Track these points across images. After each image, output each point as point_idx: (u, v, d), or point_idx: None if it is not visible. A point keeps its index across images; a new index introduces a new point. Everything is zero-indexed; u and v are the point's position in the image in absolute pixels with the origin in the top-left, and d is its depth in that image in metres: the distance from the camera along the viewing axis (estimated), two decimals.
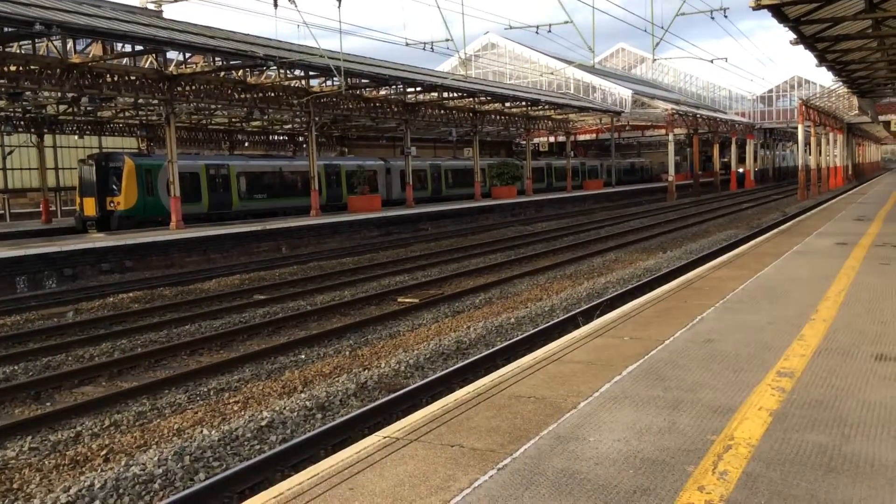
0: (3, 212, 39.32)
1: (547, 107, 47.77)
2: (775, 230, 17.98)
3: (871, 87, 39.13)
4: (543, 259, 21.07)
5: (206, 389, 9.37)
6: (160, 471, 6.58)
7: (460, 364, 9.59)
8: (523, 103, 45.07)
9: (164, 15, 28.68)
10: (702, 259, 17.65)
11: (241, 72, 28.40)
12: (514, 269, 19.30)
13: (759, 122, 79.15)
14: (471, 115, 43.66)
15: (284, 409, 8.09)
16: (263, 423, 7.65)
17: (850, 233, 15.60)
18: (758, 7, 15.78)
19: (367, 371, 9.60)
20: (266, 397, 8.83)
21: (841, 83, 39.44)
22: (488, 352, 10.16)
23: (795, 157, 73.03)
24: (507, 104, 44.55)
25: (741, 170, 68.41)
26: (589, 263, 19.78)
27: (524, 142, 53.82)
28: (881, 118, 62.75)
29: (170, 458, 6.79)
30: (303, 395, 8.66)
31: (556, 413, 4.66)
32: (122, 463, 6.82)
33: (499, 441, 4.19)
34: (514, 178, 47.79)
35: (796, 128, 46.82)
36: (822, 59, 26.27)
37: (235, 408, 8.48)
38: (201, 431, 7.62)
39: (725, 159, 71.14)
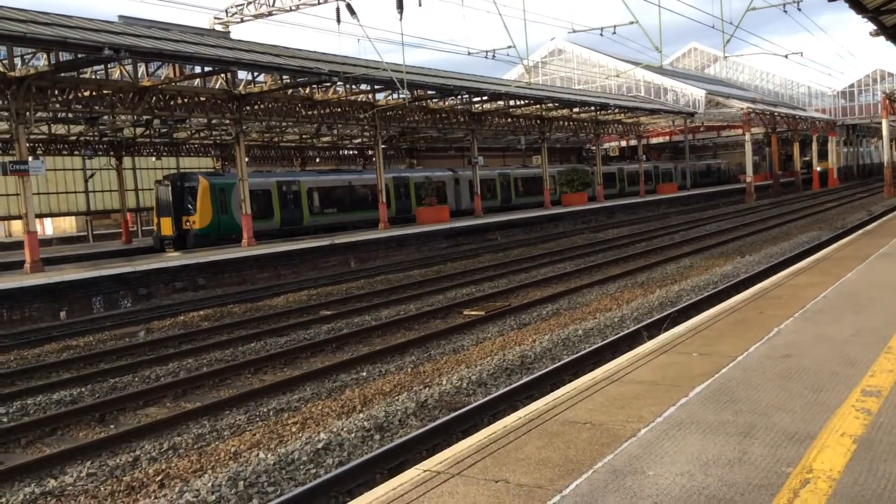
0: (86, 233, 40.78)
1: (616, 111, 46.89)
2: (860, 231, 17.04)
3: None
4: (614, 267, 20.49)
5: (266, 410, 9.27)
6: (213, 497, 6.45)
7: (524, 380, 9.25)
8: (591, 108, 44.34)
9: (232, 36, 29.26)
10: (781, 264, 16.83)
11: (307, 89, 28.70)
12: (583, 278, 18.81)
13: (841, 118, 76.11)
14: (538, 122, 43.19)
15: (342, 430, 7.90)
16: (320, 446, 7.46)
17: None
18: None
19: (427, 389, 9.35)
20: (325, 417, 8.67)
21: None
22: (553, 367, 9.78)
23: (881, 154, 69.91)
24: (575, 109, 43.89)
25: (823, 168, 65.83)
26: (662, 270, 19.13)
27: (594, 147, 52.98)
28: None
29: (224, 483, 6.66)
30: (361, 414, 8.46)
31: (614, 442, 4.29)
32: (177, 489, 6.73)
33: (548, 475, 3.86)
34: (584, 185, 47.03)
35: (880, 123, 44.74)
36: None
37: (294, 429, 8.34)
38: (258, 454, 7.48)
39: (806, 158, 68.59)
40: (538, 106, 40.55)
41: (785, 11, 19.34)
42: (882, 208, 31.19)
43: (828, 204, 40.48)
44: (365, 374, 10.74)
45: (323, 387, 10.16)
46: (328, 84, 27.90)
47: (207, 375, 11.16)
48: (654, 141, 65.60)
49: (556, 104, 40.83)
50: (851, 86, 77.77)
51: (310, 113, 29.88)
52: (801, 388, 5.16)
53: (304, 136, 42.69)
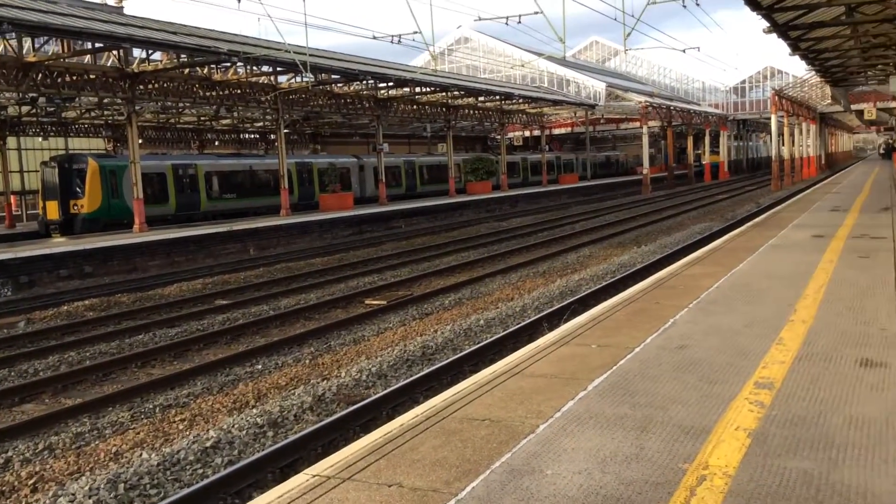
0: None
1: (521, 101, 47.33)
2: (750, 223, 17.65)
3: (844, 75, 39.06)
4: (517, 256, 20.61)
5: (152, 406, 8.79)
6: (90, 502, 6.02)
7: (424, 372, 9.10)
8: (497, 97, 44.58)
9: (126, 11, 27.89)
10: (676, 254, 17.27)
11: (205, 69, 27.68)
12: (486, 267, 18.82)
13: (733, 113, 79.28)
14: (444, 110, 43.12)
15: (233, 426, 7.55)
16: (209, 444, 7.10)
17: (826, 224, 15.27)
18: None
19: (325, 381, 9.07)
20: (215, 414, 8.28)
21: (814, 72, 39.39)
22: (454, 357, 9.66)
23: (769, 148, 73.22)
24: (481, 98, 44.04)
25: (715, 161, 68.41)
26: (563, 260, 19.35)
27: (499, 136, 53.38)
28: (854, 107, 62.94)
29: (102, 486, 6.24)
30: (255, 410, 8.11)
31: (512, 439, 4.16)
32: (51, 493, 6.26)
33: (444, 477, 3.69)
34: (488, 174, 47.31)
35: (770, 118, 46.77)
36: (795, 48, 26.04)
37: (181, 426, 7.92)
38: (141, 454, 7.06)
39: (700, 151, 71.11)
40: (444, 94, 40.45)
41: (684, 6, 19.81)
42: (769, 201, 32.57)
43: (719, 196, 42.02)
44: (260, 366, 10.36)
45: (215, 381, 9.73)
46: (228, 64, 26.96)
47: (90, 369, 10.53)
48: (556, 132, 66.63)
49: (462, 92, 40.84)
50: (743, 82, 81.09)
51: (208, 94, 28.85)
52: (697, 379, 5.18)
53: (202, 118, 41.27)
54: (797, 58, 28.96)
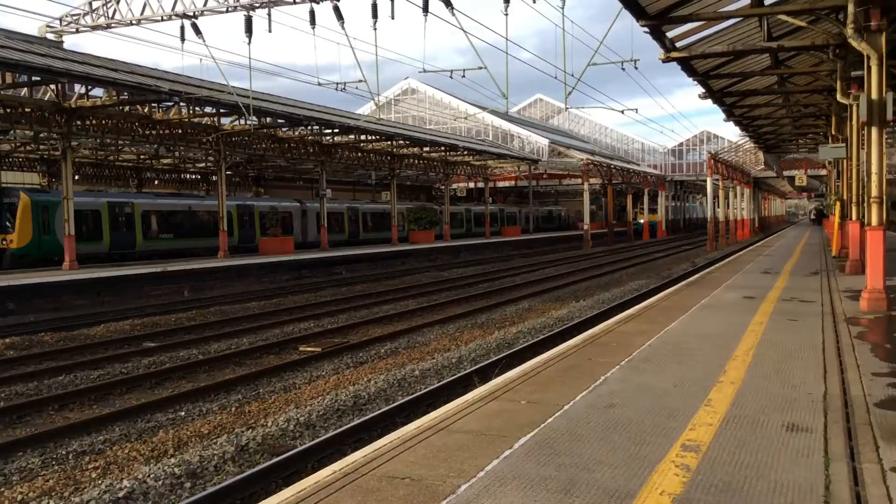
0: None
1: (466, 153, 47.87)
2: (684, 282, 17.94)
3: (776, 142, 40.57)
4: (456, 307, 20.54)
5: (65, 452, 8.36)
6: None
7: (354, 423, 8.86)
8: (442, 148, 45.01)
9: (66, 46, 27.45)
10: (611, 310, 17.41)
11: (146, 107, 27.32)
12: (425, 316, 18.69)
13: (671, 174, 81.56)
14: (389, 158, 43.31)
15: (149, 476, 7.20)
16: (121, 495, 6.75)
17: (757, 286, 15.60)
18: (667, 59, 15.87)
19: (251, 431, 8.77)
20: (131, 462, 7.90)
21: (748, 138, 40.82)
22: (386, 408, 9.46)
23: (705, 209, 75.25)
24: (426, 149, 44.42)
25: (654, 220, 69.97)
26: (502, 312, 19.34)
27: (443, 187, 53.74)
28: (786, 173, 65.36)
29: None
30: (173, 459, 7.77)
31: (431, 500, 4.02)
32: None
33: None
34: (432, 223, 47.49)
35: (706, 181, 48.16)
36: (730, 114, 26.96)
37: (94, 474, 7.53)
38: None
39: (638, 209, 72.71)
40: (389, 142, 40.67)
41: (623, 69, 20.38)
42: (704, 261, 33.27)
43: (656, 254, 42.82)
44: (184, 413, 9.98)
45: (134, 427, 9.32)
46: (169, 104, 26.66)
47: (3, 411, 10.01)
48: (500, 184, 67.46)
49: (407, 142, 41.14)
50: (681, 144, 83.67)
51: (148, 132, 28.44)
52: (624, 440, 5.12)
53: (141, 157, 40.61)
54: (732, 123, 29.98)
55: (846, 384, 6.75)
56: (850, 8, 11.14)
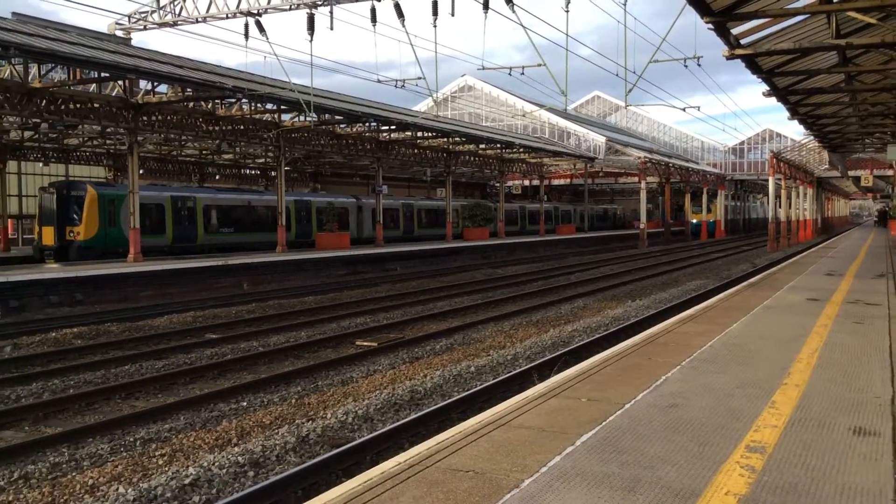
0: None
1: (521, 150, 47.73)
2: (745, 283, 17.62)
3: (841, 142, 39.47)
4: (510, 304, 20.54)
5: (132, 439, 8.64)
6: None
7: (411, 417, 8.96)
8: (497, 145, 44.96)
9: (133, 43, 28.21)
10: (670, 310, 17.20)
11: (209, 103, 27.91)
12: (479, 313, 18.73)
13: (731, 173, 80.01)
14: (444, 155, 43.43)
15: (214, 464, 7.40)
16: (187, 481, 6.95)
17: (821, 288, 15.26)
18: (731, 57, 15.59)
19: (311, 422, 8.93)
20: (196, 450, 8.13)
21: (812, 137, 39.80)
22: (443, 404, 9.53)
23: (766, 209, 73.69)
24: (482, 146, 44.40)
25: (712, 220, 68.77)
26: (556, 310, 19.27)
27: (498, 184, 53.67)
28: (851, 173, 63.58)
29: None
30: (237, 448, 7.97)
31: (495, 493, 4.06)
32: None
33: None
34: (486, 220, 47.47)
35: (767, 180, 47.15)
36: (794, 113, 26.33)
37: (160, 461, 7.77)
38: (117, 489, 6.90)
39: (697, 209, 71.55)
40: (445, 139, 40.78)
41: (685, 66, 20.09)
42: (765, 262, 32.61)
43: (714, 254, 42.11)
44: (245, 403, 10.21)
45: (198, 416, 9.58)
46: (232, 100, 27.20)
47: (73, 398, 10.39)
48: (555, 182, 67.09)
49: (463, 139, 41.19)
50: (742, 143, 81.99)
51: (211, 128, 29.04)
52: (687, 440, 5.09)
53: (204, 152, 41.51)
54: (796, 122, 29.28)
55: None
56: None
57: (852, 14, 13.77)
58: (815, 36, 16.94)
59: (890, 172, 51.40)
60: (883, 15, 14.10)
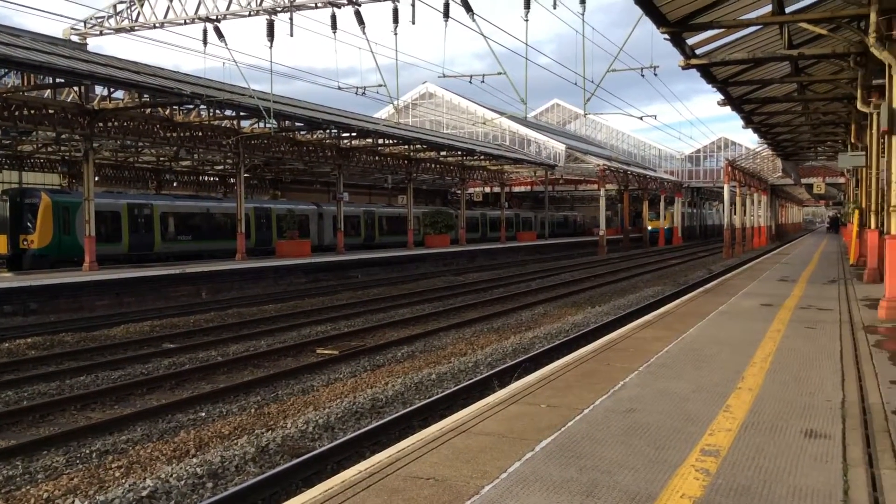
0: None
1: (482, 157, 47.96)
2: (701, 289, 17.91)
3: (794, 150, 40.36)
4: (472, 311, 20.61)
5: (88, 451, 8.49)
6: None
7: (373, 425, 8.95)
8: (458, 153, 45.12)
9: (90, 48, 27.78)
10: (628, 316, 17.43)
11: (167, 109, 27.59)
12: (440, 320, 18.76)
13: (688, 180, 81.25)
14: (406, 162, 43.45)
15: (171, 476, 7.31)
16: (144, 494, 6.86)
17: (775, 294, 15.57)
18: (687, 66, 15.89)
19: (270, 432, 8.87)
20: (154, 461, 8.03)
21: (766, 145, 40.64)
22: (404, 411, 9.54)
23: (721, 216, 74.93)
24: (443, 153, 44.53)
25: (669, 227, 69.74)
26: (517, 317, 19.39)
27: (459, 191, 53.84)
28: (804, 181, 64.99)
29: None
30: (195, 459, 7.89)
31: (456, 500, 4.09)
32: None
33: None
34: (447, 227, 47.60)
35: (722, 187, 47.98)
36: (748, 122, 26.89)
37: (117, 473, 7.66)
38: (73, 502, 6.79)
39: (654, 216, 72.52)
40: (406, 146, 40.82)
41: (642, 76, 20.40)
42: (720, 268, 33.17)
43: (672, 260, 42.69)
44: (204, 414, 10.11)
45: (156, 427, 9.45)
46: (190, 106, 26.92)
47: (27, 410, 10.18)
48: (516, 189, 67.49)
49: (424, 146, 41.27)
50: (698, 151, 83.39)
51: (169, 135, 28.69)
52: (644, 444, 5.17)
53: (161, 159, 40.98)
54: (750, 131, 29.89)
55: (864, 392, 6.77)
56: (873, 17, 11.14)
57: (804, 25, 14.14)
58: (769, 46, 17.36)
59: (841, 180, 52.65)
60: (833, 26, 14.49)
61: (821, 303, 13.81)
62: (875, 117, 15.69)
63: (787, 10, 13.90)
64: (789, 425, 5.68)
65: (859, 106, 16.42)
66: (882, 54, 11.51)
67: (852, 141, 22.52)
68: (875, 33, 11.20)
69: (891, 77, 11.75)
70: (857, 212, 24.38)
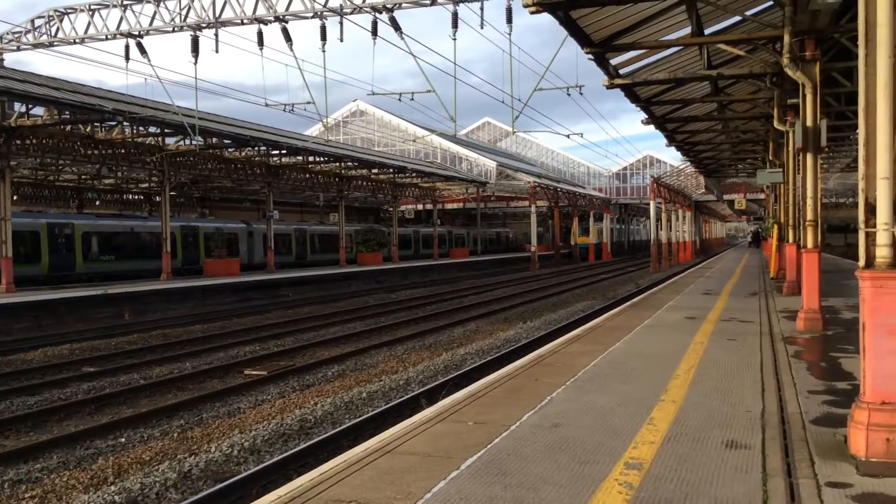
0: None
1: (414, 175, 48.03)
2: (628, 303, 18.22)
3: (716, 167, 41.60)
4: (404, 328, 20.53)
5: (0, 481, 8.10)
6: None
7: (300, 447, 8.79)
8: (390, 170, 45.10)
9: (6, 64, 26.84)
10: (557, 331, 17.59)
11: (88, 127, 26.83)
12: (372, 338, 18.63)
13: (616, 197, 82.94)
14: (337, 180, 43.21)
15: None
16: None
17: (699, 307, 15.93)
18: (611, 86, 16.21)
19: (193, 457, 8.62)
20: (69, 490, 7.70)
21: (689, 163, 41.79)
22: (333, 432, 9.41)
23: (648, 232, 76.63)
24: (375, 170, 44.44)
25: (599, 242, 70.96)
26: (450, 334, 19.38)
27: (391, 209, 53.78)
28: (726, 197, 67.03)
29: None
30: (113, 487, 7.60)
31: None
32: None
33: None
34: (380, 245, 47.46)
35: (649, 204, 49.11)
36: (671, 140, 27.59)
37: None
38: None
39: (584, 231, 73.70)
40: (337, 164, 40.60)
41: (568, 94, 20.78)
42: (648, 282, 33.84)
43: (602, 275, 43.40)
44: (124, 439, 9.76)
45: (73, 454, 9.09)
46: (112, 123, 26.23)
47: None
48: (448, 206, 67.78)
49: (356, 164, 41.13)
50: (625, 168, 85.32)
51: (90, 152, 27.93)
52: (569, 459, 5.18)
53: (83, 177, 39.79)
54: (674, 148, 30.69)
55: (783, 402, 6.94)
56: (787, 38, 11.55)
57: (722, 46, 14.59)
58: (689, 67, 17.87)
59: (762, 196, 54.46)
60: (750, 48, 14.99)
61: (742, 315, 14.18)
62: (791, 135, 16.27)
63: (707, 31, 14.32)
64: (711, 436, 5.77)
65: (776, 124, 17.00)
66: (795, 74, 11.94)
67: (770, 158, 23.32)
68: (788, 54, 11.62)
69: (804, 96, 12.20)
70: (776, 226, 25.21)
